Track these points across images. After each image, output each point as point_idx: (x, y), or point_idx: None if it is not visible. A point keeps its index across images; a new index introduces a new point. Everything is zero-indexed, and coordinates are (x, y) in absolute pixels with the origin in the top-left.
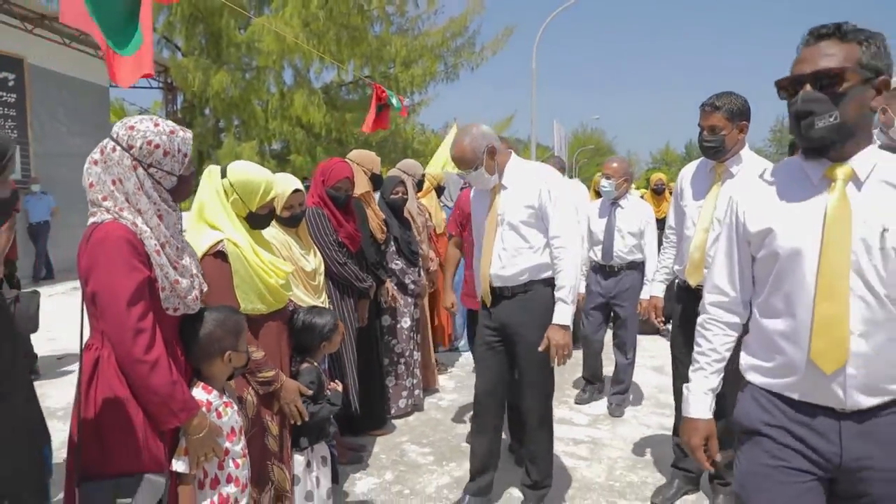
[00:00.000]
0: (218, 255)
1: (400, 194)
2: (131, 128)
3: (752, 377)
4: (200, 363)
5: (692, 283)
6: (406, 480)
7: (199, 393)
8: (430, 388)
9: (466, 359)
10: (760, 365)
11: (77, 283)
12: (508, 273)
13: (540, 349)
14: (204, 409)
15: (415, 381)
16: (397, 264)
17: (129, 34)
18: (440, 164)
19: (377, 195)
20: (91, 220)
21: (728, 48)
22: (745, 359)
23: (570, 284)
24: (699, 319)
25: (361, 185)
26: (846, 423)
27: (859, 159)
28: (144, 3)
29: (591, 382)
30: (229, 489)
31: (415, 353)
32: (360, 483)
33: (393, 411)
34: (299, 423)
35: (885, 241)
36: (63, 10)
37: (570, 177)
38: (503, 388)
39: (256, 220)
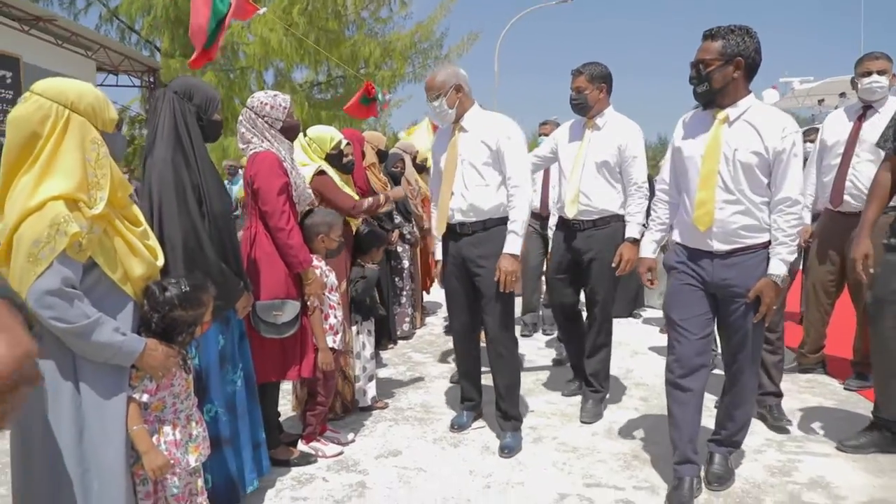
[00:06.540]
0: (321, 173)
1: (399, 168)
2: (253, 97)
3: (674, 237)
4: (309, 242)
5: (569, 215)
6: (415, 369)
7: (314, 259)
8: (419, 325)
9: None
10: (676, 230)
11: None
12: (467, 208)
13: (495, 279)
14: (314, 268)
15: (412, 312)
16: (397, 219)
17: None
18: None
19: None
20: (250, 151)
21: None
22: (673, 231)
23: (522, 219)
24: (652, 202)
25: (370, 158)
26: (715, 259)
27: (732, 108)
28: (226, 21)
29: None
30: (333, 321)
31: (411, 289)
32: (382, 372)
33: (399, 332)
34: None
35: (735, 156)
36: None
37: None
38: (476, 320)
39: (332, 160)
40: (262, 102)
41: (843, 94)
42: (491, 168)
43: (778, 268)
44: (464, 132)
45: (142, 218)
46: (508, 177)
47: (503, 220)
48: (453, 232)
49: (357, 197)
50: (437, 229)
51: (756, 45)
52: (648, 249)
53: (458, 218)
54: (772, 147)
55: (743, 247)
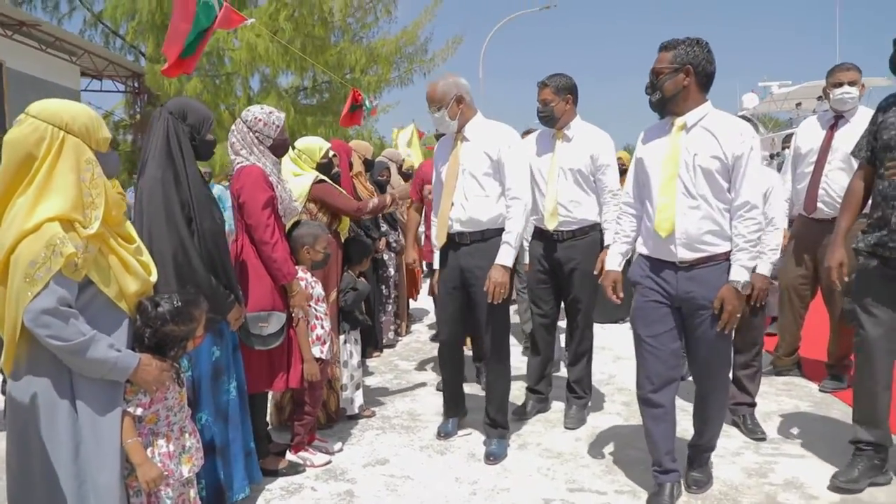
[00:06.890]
0: (321, 181)
1: (385, 177)
2: (248, 110)
3: (639, 249)
4: (294, 254)
5: (549, 227)
6: (402, 377)
7: (299, 271)
8: (405, 333)
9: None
10: (641, 241)
11: None
12: (466, 219)
13: (484, 288)
14: (299, 280)
15: (398, 321)
16: (383, 227)
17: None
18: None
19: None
20: (238, 165)
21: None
22: (638, 243)
23: (517, 231)
24: (616, 214)
25: (357, 167)
26: (679, 272)
27: (689, 115)
28: (210, 31)
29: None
30: (319, 332)
31: (395, 297)
32: (368, 380)
33: (384, 341)
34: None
35: (695, 161)
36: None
37: None
38: (464, 331)
39: (323, 169)
40: (255, 117)
41: (820, 98)
42: (491, 178)
43: (739, 274)
44: (466, 142)
45: (135, 235)
46: (508, 187)
47: (502, 232)
48: (452, 242)
49: None
50: (438, 240)
51: (707, 55)
52: (614, 262)
53: (457, 228)
54: (730, 152)
55: (707, 256)
